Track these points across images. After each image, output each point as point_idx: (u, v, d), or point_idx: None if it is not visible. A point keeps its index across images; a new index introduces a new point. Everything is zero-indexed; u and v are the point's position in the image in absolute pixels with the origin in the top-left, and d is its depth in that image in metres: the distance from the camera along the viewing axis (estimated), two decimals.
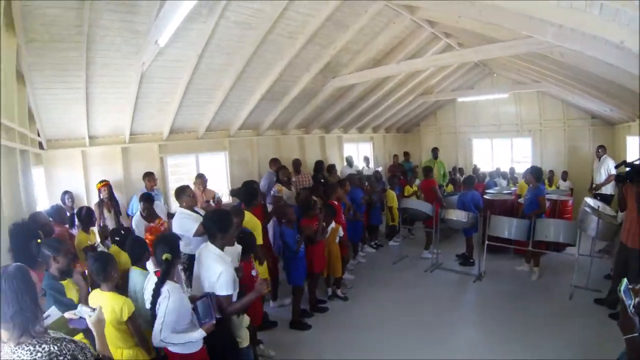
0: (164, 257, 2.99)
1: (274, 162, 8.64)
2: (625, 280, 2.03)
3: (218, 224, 3.35)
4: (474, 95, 12.23)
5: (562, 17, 3.74)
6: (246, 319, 3.76)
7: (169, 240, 3.19)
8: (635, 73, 3.94)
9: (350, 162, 11.03)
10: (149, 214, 5.66)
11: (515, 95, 12.66)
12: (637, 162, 5.14)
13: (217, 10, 4.93)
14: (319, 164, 9.62)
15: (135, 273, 3.61)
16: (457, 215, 7.24)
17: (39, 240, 2.97)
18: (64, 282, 3.03)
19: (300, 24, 5.94)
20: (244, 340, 3.81)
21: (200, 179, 7.17)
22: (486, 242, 6.97)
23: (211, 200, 6.70)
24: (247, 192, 5.34)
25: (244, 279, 3.93)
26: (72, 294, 3.00)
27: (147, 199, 5.70)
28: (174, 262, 3.10)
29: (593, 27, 3.52)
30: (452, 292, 6.65)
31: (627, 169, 5.19)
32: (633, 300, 2.01)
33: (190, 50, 5.59)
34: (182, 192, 5.25)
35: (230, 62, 6.28)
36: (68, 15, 4.26)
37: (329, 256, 6.12)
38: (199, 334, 2.96)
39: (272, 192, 6.55)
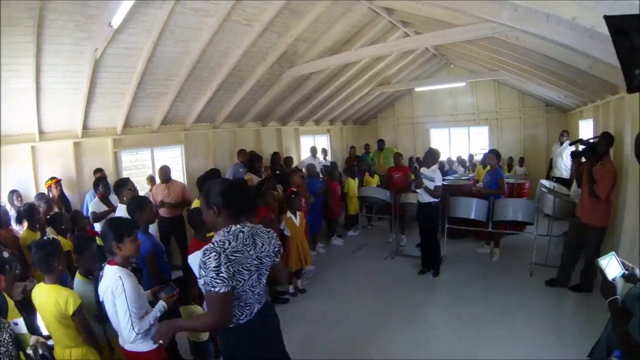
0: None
1: (242, 153, 8.60)
2: (613, 253, 2.15)
3: None
4: (431, 85, 12.42)
5: None
6: (199, 310, 3.56)
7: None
8: (589, 53, 4.04)
9: (313, 153, 10.98)
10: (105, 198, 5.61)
11: (473, 86, 13.01)
12: (592, 141, 5.56)
13: None
14: (275, 156, 9.60)
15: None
16: (415, 199, 7.00)
17: None
18: None
19: (257, 11, 5.83)
20: (202, 334, 3.67)
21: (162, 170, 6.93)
22: (446, 225, 7.09)
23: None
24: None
25: None
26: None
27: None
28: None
29: (546, 4, 3.60)
30: (414, 276, 6.65)
31: (582, 146, 5.60)
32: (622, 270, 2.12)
33: (145, 37, 5.38)
34: (122, 186, 5.00)
35: (186, 50, 6.09)
36: None
37: (302, 247, 6.01)
38: (161, 305, 2.74)
39: None
